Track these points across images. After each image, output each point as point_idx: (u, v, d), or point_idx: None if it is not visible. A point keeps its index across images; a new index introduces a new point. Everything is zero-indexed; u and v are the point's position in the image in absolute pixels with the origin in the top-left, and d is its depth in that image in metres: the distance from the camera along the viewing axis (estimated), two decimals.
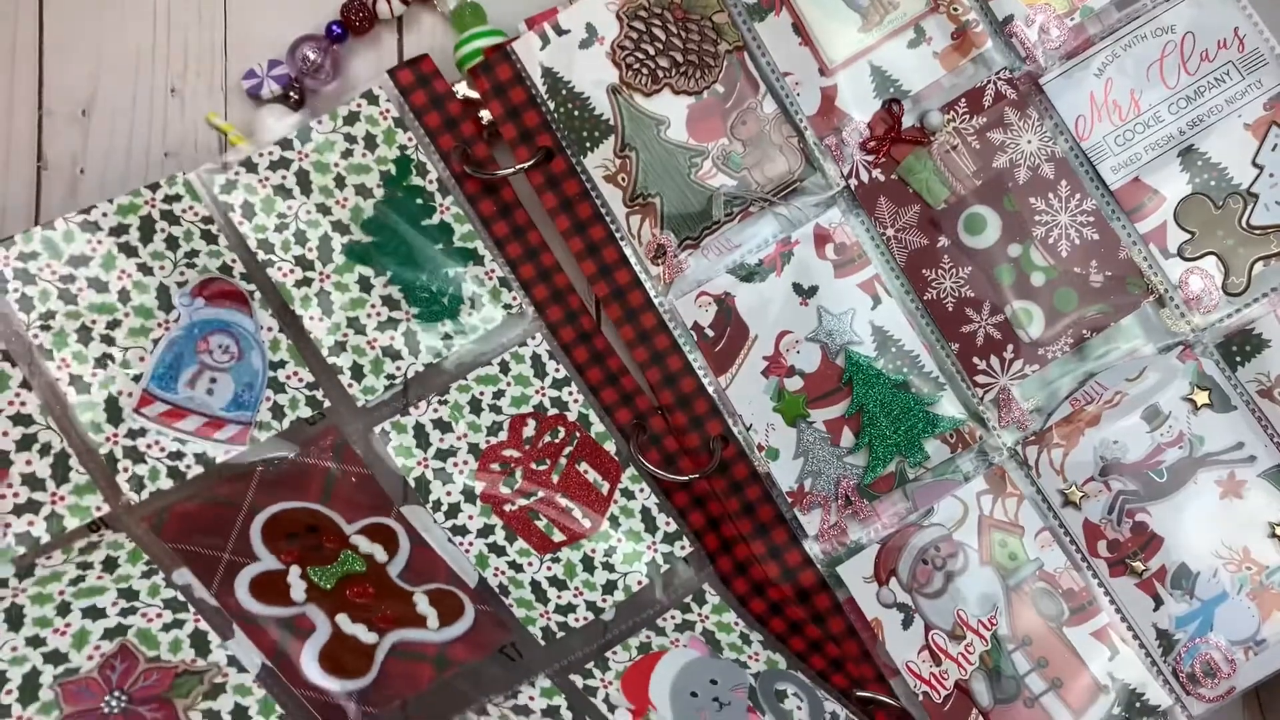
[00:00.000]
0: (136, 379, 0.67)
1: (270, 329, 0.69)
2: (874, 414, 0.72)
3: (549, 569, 0.70)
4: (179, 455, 0.67)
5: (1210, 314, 0.71)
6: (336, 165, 0.71)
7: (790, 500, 0.72)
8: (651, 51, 0.72)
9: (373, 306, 0.71)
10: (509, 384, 0.72)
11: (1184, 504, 0.69)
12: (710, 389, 0.73)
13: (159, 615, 0.61)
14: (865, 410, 0.72)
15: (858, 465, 0.72)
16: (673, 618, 0.70)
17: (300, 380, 0.70)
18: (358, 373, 0.71)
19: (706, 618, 0.71)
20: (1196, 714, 0.69)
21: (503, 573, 0.70)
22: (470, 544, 0.70)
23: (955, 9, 0.71)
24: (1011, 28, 0.71)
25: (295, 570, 0.65)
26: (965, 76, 0.72)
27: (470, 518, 0.70)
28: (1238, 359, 0.70)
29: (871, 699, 0.70)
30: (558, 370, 0.72)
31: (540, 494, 0.71)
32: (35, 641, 0.60)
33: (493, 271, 0.72)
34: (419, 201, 0.72)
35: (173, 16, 0.76)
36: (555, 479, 0.71)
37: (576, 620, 0.70)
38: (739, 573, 0.72)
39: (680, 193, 0.72)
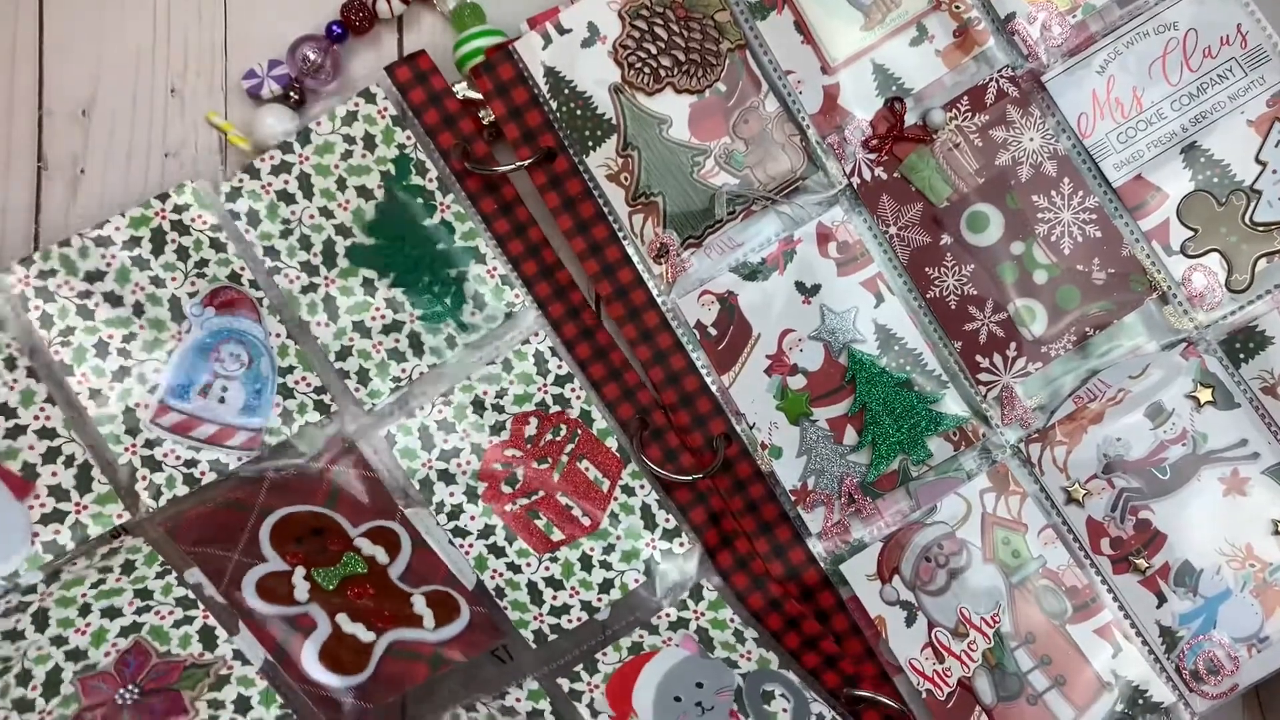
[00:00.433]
0: (152, 390, 0.69)
1: (279, 335, 0.71)
2: (877, 412, 0.72)
3: (546, 569, 0.71)
4: (194, 463, 0.69)
5: (1213, 311, 0.71)
6: (337, 167, 0.71)
7: (793, 498, 0.72)
8: (654, 50, 0.72)
9: (377, 309, 0.71)
10: (511, 382, 0.72)
11: (1187, 501, 0.69)
12: (713, 388, 0.73)
13: (171, 613, 0.64)
14: (868, 408, 0.72)
15: (861, 463, 0.72)
16: (667, 615, 0.71)
17: (308, 385, 0.71)
18: (364, 377, 0.71)
19: (702, 614, 0.71)
20: (1200, 711, 0.69)
21: (500, 575, 0.70)
22: (471, 545, 0.71)
23: (957, 7, 0.71)
24: (1013, 25, 0.71)
25: (300, 571, 0.67)
26: (967, 74, 0.72)
27: (472, 518, 0.71)
28: (1241, 356, 0.70)
29: (863, 698, 0.70)
30: (560, 367, 0.72)
31: (541, 493, 0.71)
32: (58, 641, 0.63)
33: (494, 269, 0.72)
34: (419, 201, 0.72)
35: (173, 16, 0.76)
36: (556, 477, 0.72)
37: (570, 621, 0.70)
38: (739, 568, 0.72)
39: (683, 192, 0.72)
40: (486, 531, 0.71)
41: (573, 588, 0.71)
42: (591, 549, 0.71)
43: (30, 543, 0.66)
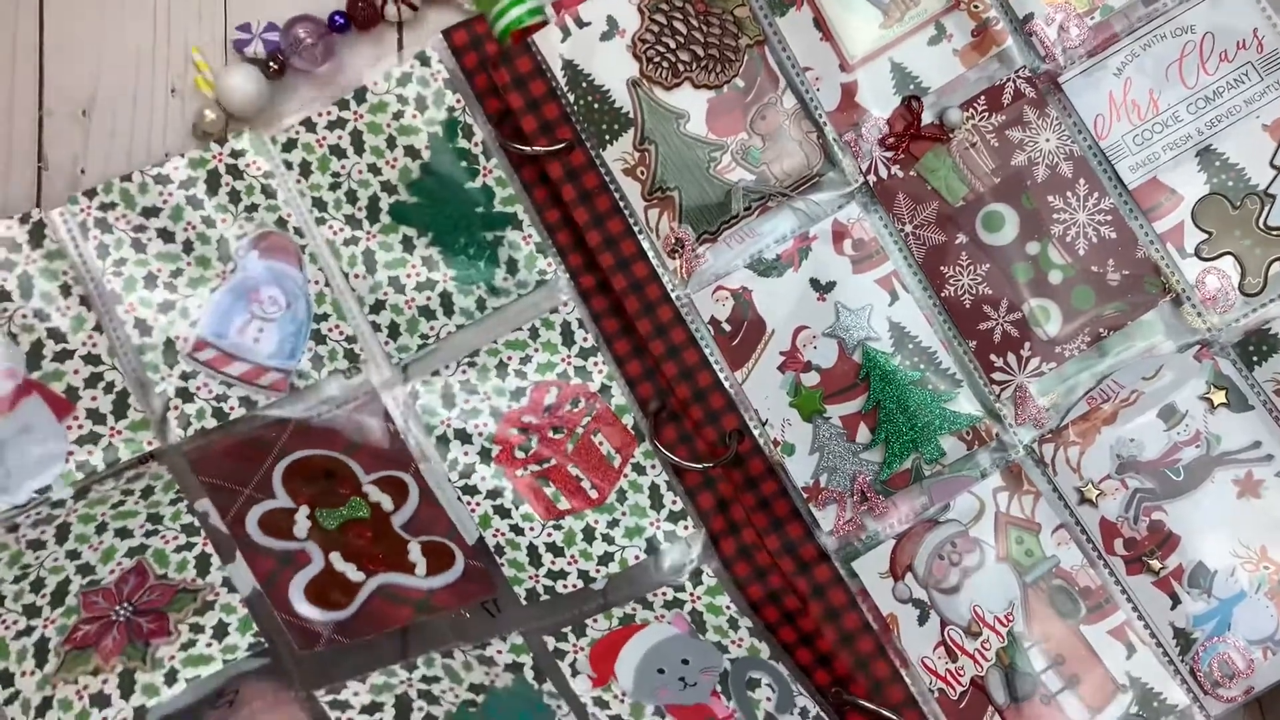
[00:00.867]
0: (193, 325, 0.71)
1: (317, 282, 0.73)
2: (890, 410, 0.71)
3: (549, 535, 0.71)
4: (224, 398, 0.71)
5: (1227, 314, 0.71)
6: (389, 126, 0.73)
7: (805, 495, 0.72)
8: (672, 45, 0.72)
9: (413, 267, 0.73)
10: (537, 350, 0.73)
11: (1201, 502, 0.69)
12: (727, 383, 0.73)
13: (175, 538, 0.67)
14: (882, 406, 0.71)
15: (874, 461, 0.71)
16: (664, 594, 0.71)
17: (340, 333, 0.72)
18: (394, 331, 0.73)
19: (698, 598, 0.71)
20: (1214, 715, 0.69)
21: (502, 534, 0.71)
22: (478, 504, 0.72)
23: (976, 6, 0.71)
24: (1031, 26, 0.72)
25: (304, 510, 0.70)
26: (985, 74, 0.72)
27: (483, 479, 0.72)
28: (1255, 359, 0.70)
29: (851, 701, 0.69)
30: (585, 339, 0.73)
31: (553, 461, 0.72)
32: (73, 555, 0.66)
33: (530, 236, 0.73)
34: (464, 164, 0.73)
35: (173, 16, 0.76)
36: (570, 448, 0.72)
37: (565, 587, 0.71)
38: (742, 556, 0.72)
39: (699, 187, 0.72)
40: (495, 493, 0.72)
41: (572, 556, 0.71)
42: (596, 521, 0.71)
43: (65, 460, 0.69)
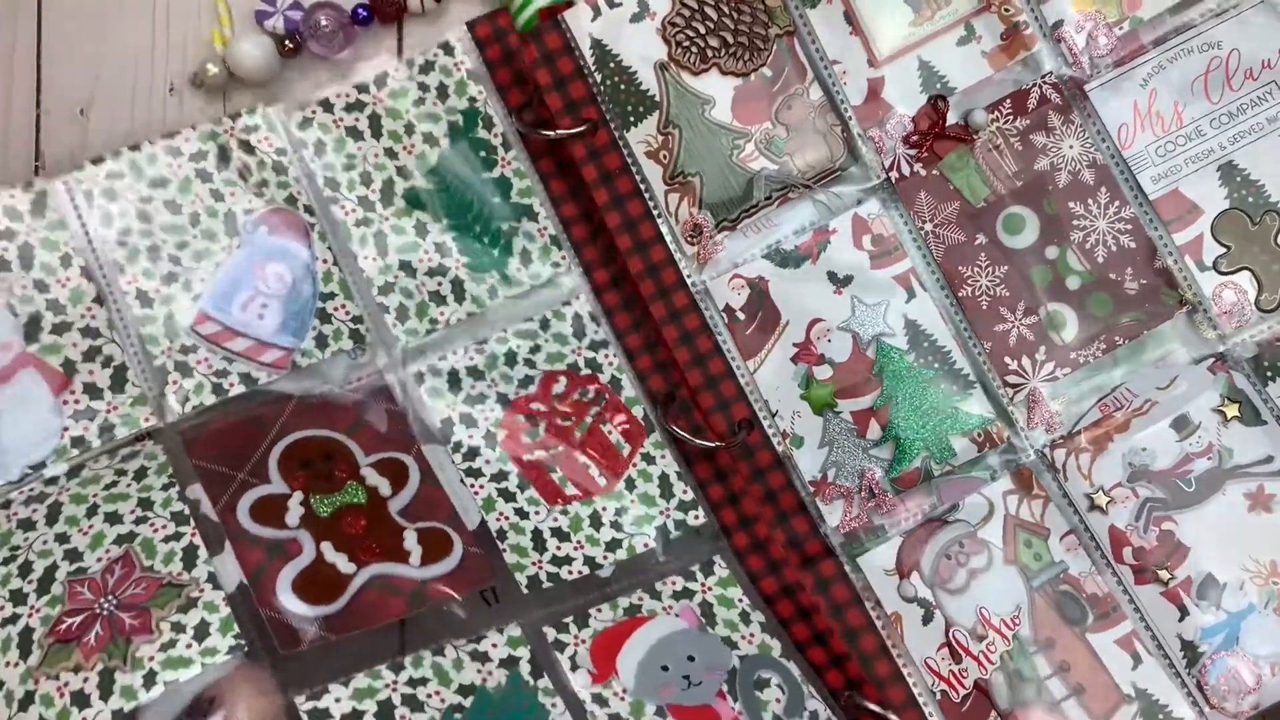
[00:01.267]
0: (196, 299, 0.70)
1: (325, 260, 0.72)
2: (902, 408, 0.71)
3: (555, 520, 0.70)
4: (224, 374, 0.70)
5: (1242, 329, 0.71)
6: (408, 112, 0.72)
7: (812, 489, 0.71)
8: (702, 30, 0.72)
9: (425, 252, 0.72)
10: (547, 340, 0.72)
11: (1211, 514, 0.69)
12: (738, 372, 0.72)
13: (164, 526, 0.65)
14: (894, 403, 0.71)
15: (883, 458, 0.71)
16: (673, 583, 0.69)
17: (347, 313, 0.71)
18: (403, 313, 0.72)
19: (709, 589, 0.69)
20: None
21: (506, 518, 0.70)
22: (482, 487, 0.70)
23: (1007, 10, 0.72)
24: (1060, 33, 0.72)
25: (298, 496, 0.68)
26: (1011, 78, 0.72)
27: (487, 462, 0.71)
28: (1269, 374, 0.70)
29: (862, 706, 0.68)
30: (597, 332, 0.72)
31: (560, 448, 0.71)
32: (62, 538, 0.64)
33: (545, 229, 0.73)
34: (482, 154, 0.73)
35: (172, 16, 0.75)
36: (578, 435, 0.71)
37: (570, 573, 0.69)
38: (755, 549, 0.71)
39: (720, 173, 0.72)
40: (500, 476, 0.70)
41: (578, 541, 0.70)
42: (604, 508, 0.70)
43: (61, 436, 0.67)
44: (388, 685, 0.63)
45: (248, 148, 0.71)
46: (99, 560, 0.63)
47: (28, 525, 0.64)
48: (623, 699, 0.65)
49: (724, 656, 0.67)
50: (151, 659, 0.61)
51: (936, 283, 0.72)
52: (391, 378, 0.72)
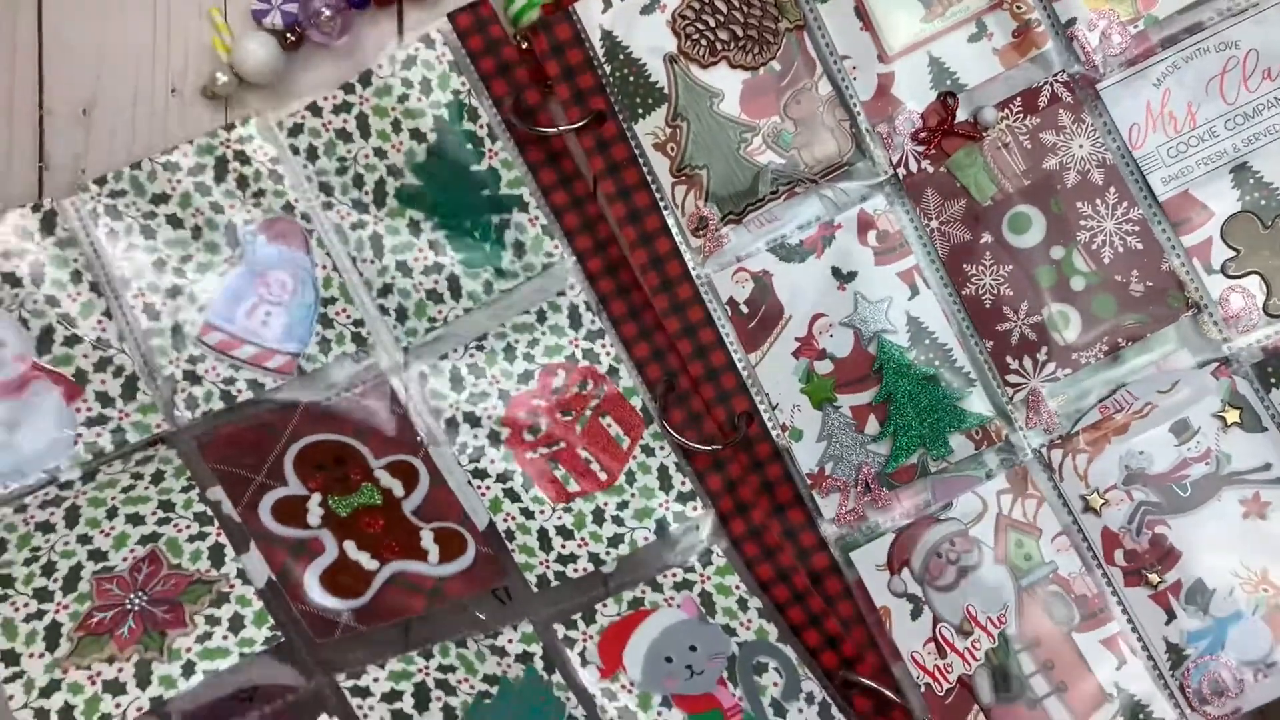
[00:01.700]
0: (201, 310, 0.72)
1: (324, 267, 0.73)
2: (901, 404, 0.71)
3: (560, 518, 0.72)
4: (232, 381, 0.72)
5: (1248, 334, 0.71)
6: (394, 109, 0.72)
7: (809, 482, 0.72)
8: (712, 23, 0.72)
9: (420, 250, 0.73)
10: (544, 333, 0.73)
11: (1206, 520, 0.69)
12: (740, 365, 0.73)
13: (188, 527, 0.67)
14: (893, 399, 0.72)
15: (880, 453, 0.72)
16: (673, 575, 0.72)
17: (348, 317, 0.73)
18: (402, 314, 0.73)
19: (708, 579, 0.71)
20: None
21: (513, 518, 0.72)
22: (488, 488, 0.72)
23: (1019, 7, 0.71)
24: (1073, 31, 0.71)
25: (316, 497, 0.70)
26: (1023, 75, 0.72)
27: (492, 462, 0.72)
28: (1273, 380, 0.70)
29: (856, 683, 0.70)
30: (593, 322, 0.73)
31: (562, 444, 0.72)
32: (84, 539, 0.66)
33: (536, 219, 0.73)
34: (469, 146, 0.73)
35: (173, 16, 0.75)
36: (578, 430, 0.72)
37: (575, 571, 0.71)
38: (751, 536, 0.72)
39: (728, 167, 0.73)
40: (505, 476, 0.72)
41: (582, 539, 0.71)
42: (605, 503, 0.72)
43: (74, 443, 0.70)
44: (420, 670, 0.66)
45: (243, 158, 0.72)
46: (124, 560, 0.66)
47: (46, 528, 0.67)
48: (630, 691, 0.69)
49: (724, 644, 0.69)
50: (189, 650, 0.64)
51: (940, 280, 0.72)
52: (395, 380, 0.73)
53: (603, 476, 0.72)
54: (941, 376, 0.72)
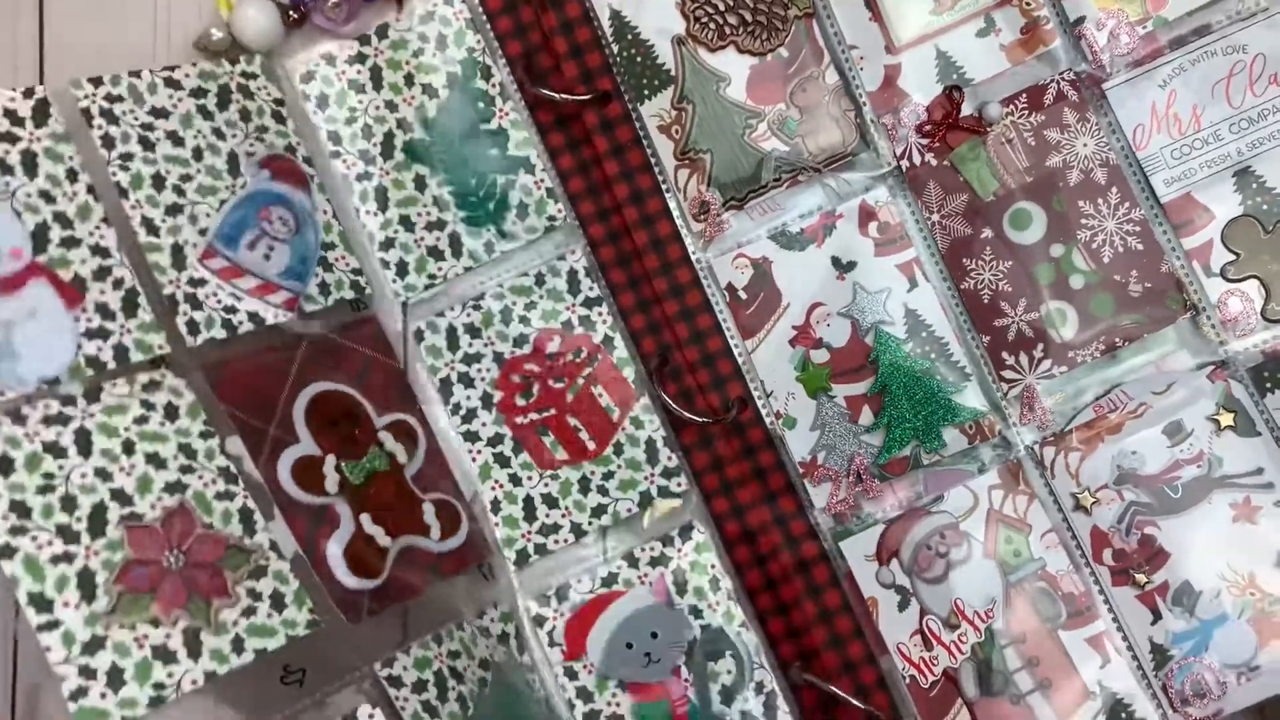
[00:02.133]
0: (202, 232, 0.68)
1: (326, 212, 0.72)
2: (896, 395, 0.71)
3: (546, 485, 0.72)
4: (233, 310, 0.68)
5: (1246, 338, 0.71)
6: (408, 64, 0.73)
7: (801, 470, 0.72)
8: (721, 7, 0.72)
9: (424, 206, 0.73)
10: (542, 297, 0.73)
11: (1195, 522, 0.69)
12: (736, 351, 0.73)
13: (214, 481, 0.64)
14: (888, 391, 0.72)
15: (873, 444, 0.72)
16: (650, 550, 0.72)
17: (347, 265, 0.72)
18: (402, 269, 0.73)
19: (685, 554, 0.72)
20: None
21: (501, 486, 0.72)
22: (479, 451, 0.72)
23: (1028, 4, 0.71)
24: (1081, 29, 0.71)
25: (331, 461, 0.68)
26: (1029, 72, 0.72)
27: (484, 424, 0.73)
28: (1268, 385, 0.70)
29: (804, 679, 0.70)
30: (591, 289, 0.73)
31: (552, 411, 0.73)
32: (103, 474, 0.62)
33: (541, 181, 0.73)
34: (480, 105, 0.73)
35: (173, 16, 0.75)
36: (569, 398, 0.73)
37: (556, 542, 0.72)
38: (734, 516, 0.72)
39: (731, 152, 0.72)
40: (496, 440, 0.72)
41: (566, 508, 0.72)
42: (592, 473, 0.72)
43: (74, 353, 0.65)
44: (436, 657, 0.66)
45: (247, 93, 0.71)
46: (153, 508, 0.62)
47: (57, 451, 0.63)
48: (590, 673, 0.70)
49: (685, 631, 0.70)
50: (236, 624, 0.62)
51: (939, 274, 0.72)
52: (392, 335, 0.73)
53: (591, 446, 0.72)
54: (937, 370, 0.72)
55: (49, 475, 0.62)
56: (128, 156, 0.68)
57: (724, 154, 0.73)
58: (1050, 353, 0.71)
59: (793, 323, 0.72)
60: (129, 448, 0.63)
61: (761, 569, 0.72)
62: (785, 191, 0.73)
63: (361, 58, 0.73)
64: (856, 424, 0.72)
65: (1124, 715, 0.68)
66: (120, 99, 0.68)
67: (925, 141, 0.72)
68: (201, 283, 0.68)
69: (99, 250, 0.66)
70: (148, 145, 0.68)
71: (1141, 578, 0.69)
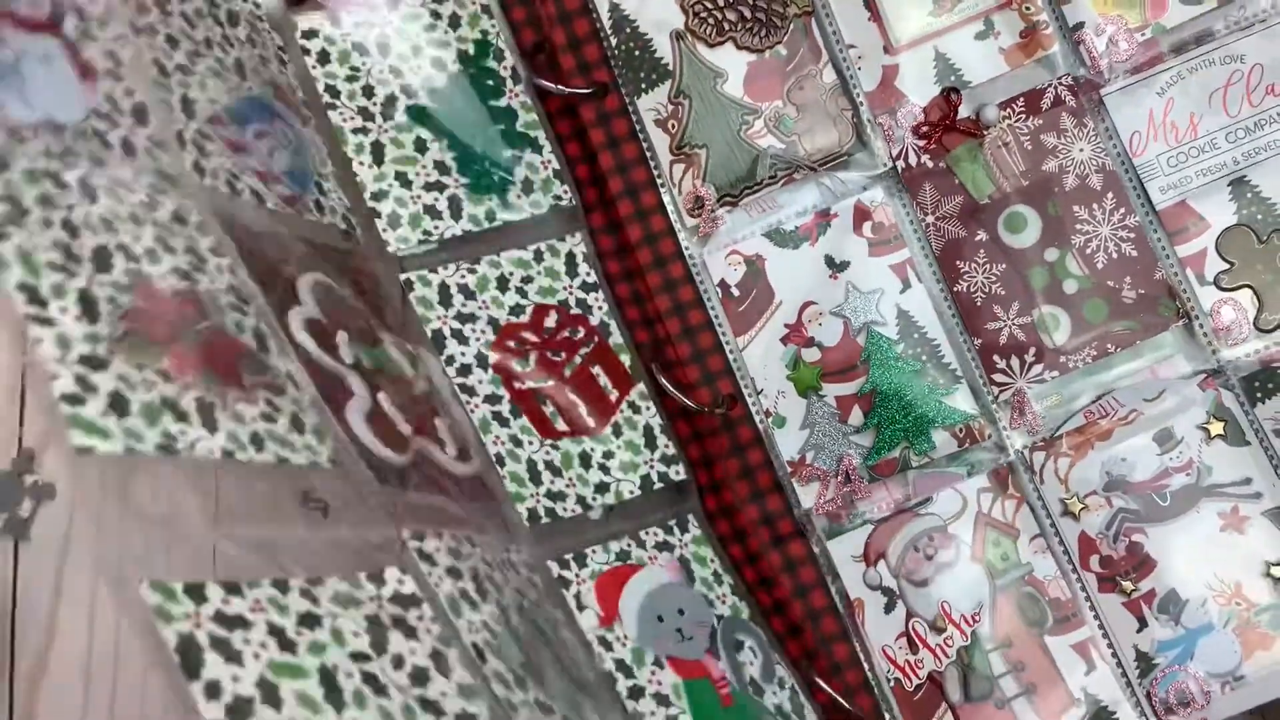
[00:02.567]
0: (212, 102, 0.63)
1: (319, 150, 0.70)
2: (886, 396, 0.71)
3: (547, 453, 0.70)
4: (237, 178, 0.63)
5: (1237, 347, 0.71)
6: (418, 35, 0.72)
7: (790, 470, 0.71)
8: (721, 3, 0.72)
9: (423, 167, 0.71)
10: (539, 273, 0.72)
11: (1183, 531, 0.69)
12: (727, 347, 0.72)
13: (226, 292, 0.57)
14: (878, 391, 0.71)
15: (863, 445, 0.71)
16: (654, 534, 0.70)
17: (340, 199, 0.70)
18: (394, 221, 0.71)
19: (686, 545, 0.71)
20: None
21: (502, 443, 0.69)
22: (477, 406, 0.69)
23: (1028, 8, 0.71)
24: (1080, 35, 0.71)
25: (343, 334, 0.62)
26: (1027, 76, 0.72)
27: (480, 382, 0.70)
28: (1259, 395, 0.70)
29: (813, 680, 0.69)
30: (589, 274, 0.72)
31: (550, 382, 0.71)
32: (108, 226, 0.54)
33: (549, 162, 0.73)
34: (490, 83, 0.73)
35: None
36: (567, 373, 0.71)
37: (565, 510, 0.69)
38: (724, 515, 0.72)
39: (727, 148, 0.72)
40: (493, 399, 0.69)
41: (570, 479, 0.70)
42: (592, 449, 0.71)
43: (82, 119, 0.56)
44: (468, 554, 0.61)
45: (254, 26, 0.69)
46: (158, 273, 0.53)
47: (57, 180, 0.53)
48: (625, 644, 0.66)
49: (707, 613, 0.68)
50: (254, 419, 0.53)
51: (933, 275, 0.72)
52: (382, 277, 0.69)
53: (590, 423, 0.71)
54: (928, 372, 0.71)
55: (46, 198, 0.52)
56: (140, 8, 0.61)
57: (720, 150, 0.72)
58: (1042, 357, 0.71)
59: (785, 321, 0.72)
60: (135, 219, 0.55)
61: (754, 567, 0.71)
62: (780, 189, 0.72)
63: (369, 24, 0.72)
64: (846, 424, 0.71)
65: None
66: None
67: (921, 143, 0.72)
68: (210, 138, 0.62)
69: (112, 56, 0.58)
70: (164, 9, 0.62)
71: (1128, 585, 0.69)
